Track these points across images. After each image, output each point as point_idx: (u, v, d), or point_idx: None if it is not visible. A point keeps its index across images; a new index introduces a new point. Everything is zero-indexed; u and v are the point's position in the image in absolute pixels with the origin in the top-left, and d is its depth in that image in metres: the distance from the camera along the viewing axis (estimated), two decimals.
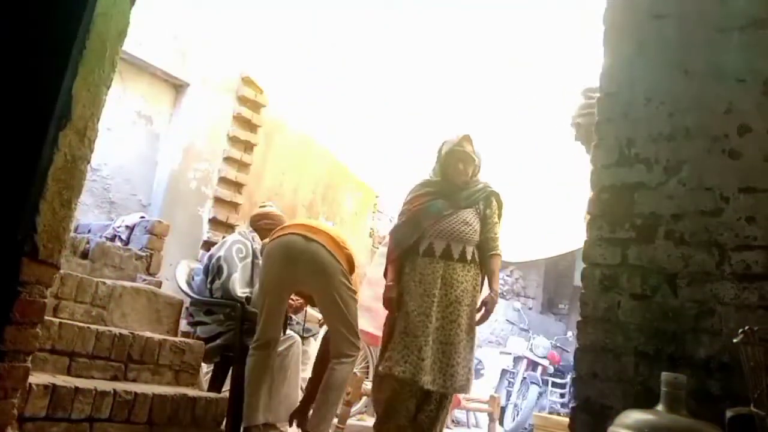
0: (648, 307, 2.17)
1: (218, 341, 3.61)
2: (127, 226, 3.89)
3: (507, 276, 9.49)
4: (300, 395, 3.72)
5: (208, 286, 3.63)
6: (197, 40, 4.92)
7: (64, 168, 1.98)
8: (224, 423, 3.14)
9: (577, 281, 2.88)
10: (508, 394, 7.54)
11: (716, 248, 2.10)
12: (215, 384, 3.70)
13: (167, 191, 4.79)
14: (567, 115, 3.48)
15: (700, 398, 1.91)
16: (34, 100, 1.96)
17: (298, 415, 3.50)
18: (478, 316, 3.29)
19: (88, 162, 2.08)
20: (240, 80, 5.21)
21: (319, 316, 4.84)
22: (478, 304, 3.32)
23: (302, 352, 3.83)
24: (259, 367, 3.30)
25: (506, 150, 4.91)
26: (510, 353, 7.87)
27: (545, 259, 9.19)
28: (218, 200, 5.08)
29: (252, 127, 5.29)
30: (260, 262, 3.75)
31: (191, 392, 3.01)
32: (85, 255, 3.52)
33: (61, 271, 2.48)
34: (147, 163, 4.84)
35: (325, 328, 4.85)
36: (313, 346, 4.22)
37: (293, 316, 4.03)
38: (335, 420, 4.37)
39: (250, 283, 3.69)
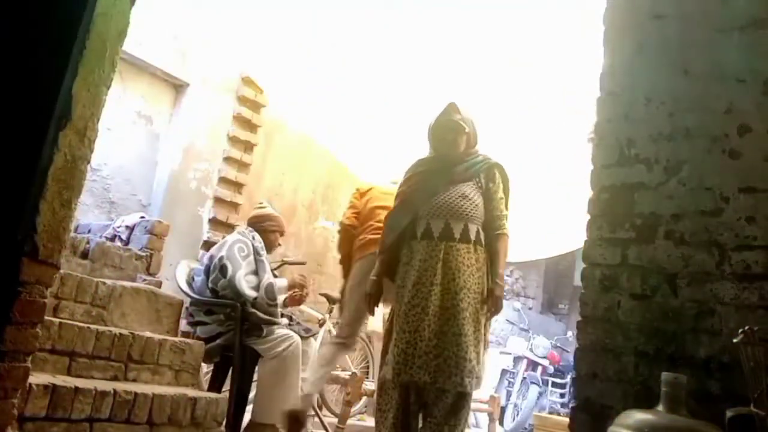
0: (648, 307, 2.17)
1: (218, 341, 3.60)
2: (127, 226, 3.90)
3: (507, 276, 9.49)
4: (299, 395, 3.72)
5: (210, 285, 3.62)
6: (197, 40, 4.92)
7: (64, 168, 1.98)
8: (224, 423, 3.14)
9: (577, 281, 2.87)
10: (508, 394, 7.54)
11: (716, 248, 2.10)
12: (215, 384, 3.70)
13: (167, 191, 4.79)
14: (566, 114, 3.46)
15: (700, 398, 1.91)
16: (34, 100, 1.96)
17: None
18: (485, 307, 2.90)
19: (88, 162, 2.08)
20: (240, 80, 5.21)
21: (319, 315, 4.85)
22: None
23: (302, 352, 3.83)
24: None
25: (506, 150, 4.91)
26: (510, 353, 7.86)
27: (545, 259, 9.19)
28: (218, 200, 5.08)
29: (252, 127, 5.29)
30: (262, 259, 3.76)
31: (191, 392, 3.01)
32: (85, 255, 3.52)
33: (61, 271, 2.48)
34: (147, 163, 4.84)
35: (324, 327, 4.88)
36: (314, 347, 4.22)
37: (294, 317, 4.03)
38: (335, 420, 4.38)
39: (256, 281, 3.66)
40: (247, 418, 3.64)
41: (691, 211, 2.17)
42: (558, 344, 8.07)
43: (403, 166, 3.35)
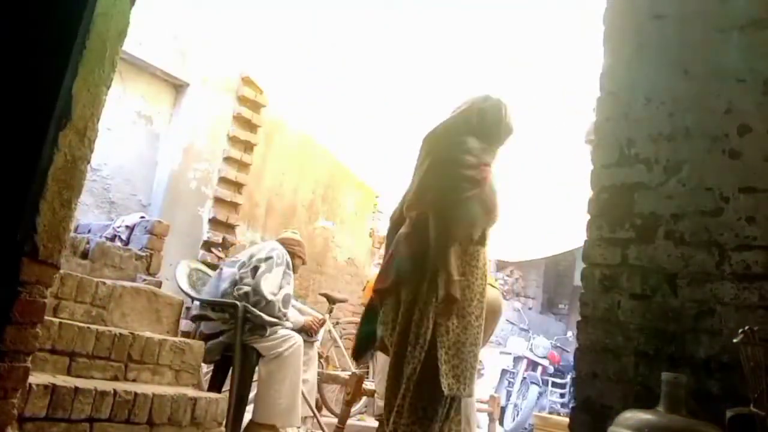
0: (648, 307, 2.17)
1: (221, 338, 3.62)
2: (127, 226, 3.90)
3: (507, 276, 9.49)
4: (300, 396, 3.73)
5: (234, 278, 3.70)
6: (197, 40, 4.92)
7: (64, 168, 1.98)
8: (224, 423, 3.14)
9: (577, 281, 2.86)
10: (508, 394, 7.53)
11: (716, 248, 2.10)
12: (215, 384, 3.71)
13: (167, 191, 4.79)
14: (572, 122, 3.44)
15: (700, 398, 1.91)
16: (34, 100, 1.96)
17: None
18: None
19: (88, 162, 2.08)
20: (240, 80, 5.21)
21: (320, 315, 4.85)
22: None
23: (304, 353, 3.84)
24: None
25: (506, 150, 4.91)
26: (510, 353, 7.85)
27: (545, 259, 9.19)
28: (218, 200, 5.08)
29: (252, 127, 5.29)
30: (290, 273, 3.92)
31: (191, 392, 3.01)
32: (85, 255, 3.51)
33: (61, 271, 2.48)
34: (147, 163, 4.84)
35: (324, 327, 4.88)
36: (315, 348, 4.23)
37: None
38: (335, 420, 4.38)
39: (279, 287, 3.78)
40: (247, 418, 3.65)
41: (691, 211, 2.17)
42: (558, 344, 8.07)
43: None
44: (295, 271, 4.16)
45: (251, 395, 3.75)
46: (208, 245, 4.98)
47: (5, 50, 1.95)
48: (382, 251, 4.46)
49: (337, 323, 5.73)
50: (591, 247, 2.34)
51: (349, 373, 4.59)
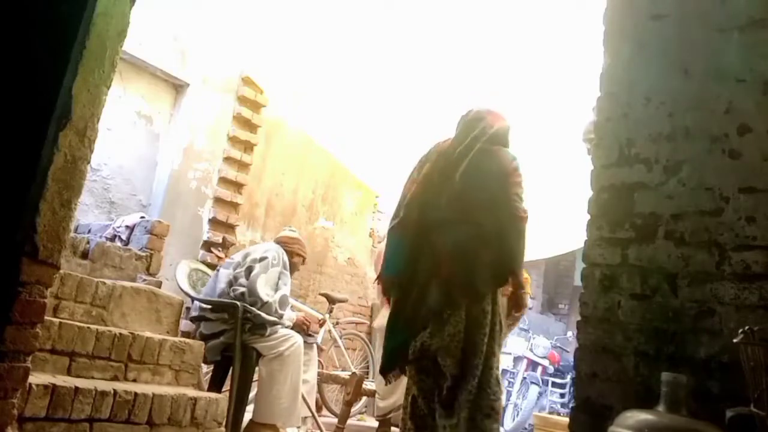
0: (648, 307, 2.17)
1: (221, 339, 3.62)
2: (127, 226, 3.90)
3: None
4: (300, 396, 3.73)
5: (229, 278, 3.70)
6: (197, 40, 4.92)
7: (64, 168, 1.98)
8: (224, 423, 3.14)
9: (577, 281, 2.86)
10: (508, 394, 7.53)
11: (716, 248, 2.10)
12: (215, 384, 3.71)
13: (167, 191, 4.79)
14: (570, 119, 3.43)
15: (700, 398, 1.91)
16: (34, 100, 1.96)
17: None
18: None
19: (88, 162, 2.08)
20: (240, 80, 5.21)
21: (320, 315, 4.85)
22: None
23: (303, 353, 3.84)
24: None
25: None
26: (510, 353, 7.83)
27: (545, 259, 9.18)
28: (218, 200, 5.08)
29: (252, 127, 5.29)
30: (286, 273, 3.93)
31: (191, 392, 3.02)
32: (85, 255, 3.52)
33: (61, 271, 2.48)
34: (147, 163, 4.84)
35: (324, 327, 4.88)
36: (315, 348, 4.23)
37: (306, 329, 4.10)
38: (335, 420, 4.38)
39: (275, 288, 3.78)
40: (247, 417, 3.65)
41: (691, 211, 2.17)
42: (558, 344, 8.07)
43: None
44: (295, 269, 4.16)
45: (251, 395, 3.76)
46: (208, 245, 4.98)
47: (5, 50, 1.95)
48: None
49: (337, 323, 5.73)
50: (591, 247, 2.34)
51: (349, 373, 4.59)
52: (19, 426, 2.18)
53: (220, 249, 5.04)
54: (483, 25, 4.94)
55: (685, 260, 2.15)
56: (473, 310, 2.63)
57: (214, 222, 5.05)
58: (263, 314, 3.59)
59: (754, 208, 2.06)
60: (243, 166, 5.23)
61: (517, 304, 2.84)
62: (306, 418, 4.25)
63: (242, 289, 3.64)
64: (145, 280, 3.68)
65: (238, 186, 5.21)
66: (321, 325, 4.82)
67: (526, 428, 7.11)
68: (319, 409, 4.67)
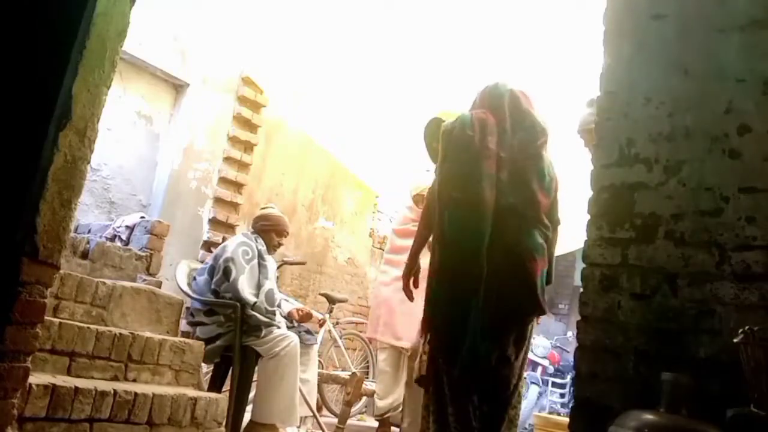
0: (648, 307, 2.17)
1: (218, 342, 3.61)
2: (127, 226, 3.90)
3: None
4: (298, 395, 3.73)
5: (213, 287, 3.65)
6: (197, 40, 4.92)
7: (64, 168, 1.98)
8: (224, 423, 3.14)
9: (577, 281, 2.86)
10: None
11: (716, 248, 2.10)
12: (215, 384, 3.70)
13: (167, 191, 4.80)
14: (570, 119, 3.43)
15: (701, 398, 1.91)
16: (34, 100, 1.96)
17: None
18: None
19: (88, 162, 2.08)
20: (240, 80, 5.21)
21: (320, 315, 4.85)
22: None
23: (304, 353, 3.84)
24: None
25: None
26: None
27: None
28: (218, 200, 5.08)
29: (252, 127, 5.29)
30: (265, 264, 3.81)
31: (191, 392, 3.01)
32: (85, 255, 3.52)
33: (61, 271, 2.48)
34: (147, 163, 4.84)
35: (324, 328, 4.87)
36: (314, 348, 4.23)
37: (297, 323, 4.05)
38: (335, 420, 4.38)
39: (257, 286, 3.71)
40: (247, 417, 3.65)
41: (691, 211, 2.17)
42: (558, 344, 8.07)
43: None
44: (272, 247, 4.00)
45: (251, 395, 3.75)
46: (208, 245, 4.98)
47: (5, 50, 1.95)
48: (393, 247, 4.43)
49: (337, 323, 5.73)
50: (591, 247, 2.34)
51: (349, 373, 4.59)
52: (18, 426, 2.18)
53: None
54: (483, 25, 4.94)
55: (685, 260, 2.15)
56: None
57: (214, 222, 5.05)
58: (258, 315, 3.57)
59: (755, 208, 2.06)
60: (243, 166, 5.24)
61: None
62: (306, 417, 4.25)
63: (228, 295, 3.60)
64: (145, 280, 3.68)
65: (238, 186, 5.21)
66: (321, 325, 4.82)
67: (526, 428, 7.08)
68: (319, 409, 4.67)
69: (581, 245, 2.40)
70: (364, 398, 5.12)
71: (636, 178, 2.30)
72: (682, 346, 2.08)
